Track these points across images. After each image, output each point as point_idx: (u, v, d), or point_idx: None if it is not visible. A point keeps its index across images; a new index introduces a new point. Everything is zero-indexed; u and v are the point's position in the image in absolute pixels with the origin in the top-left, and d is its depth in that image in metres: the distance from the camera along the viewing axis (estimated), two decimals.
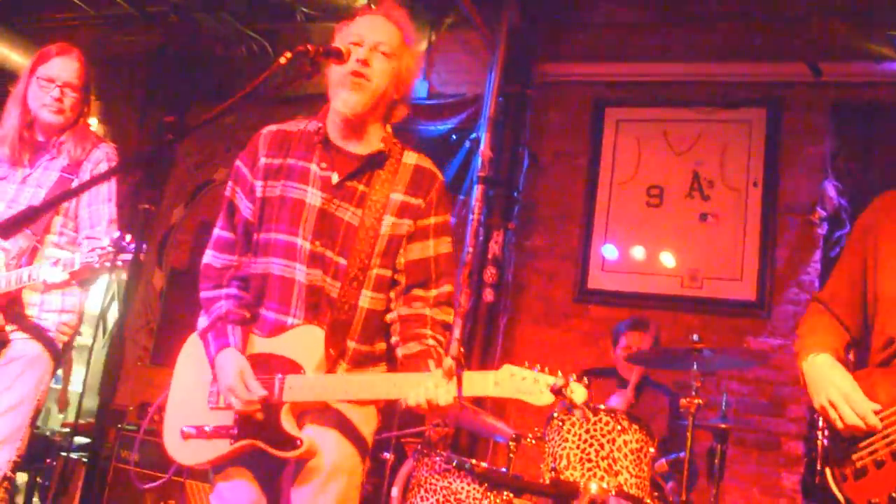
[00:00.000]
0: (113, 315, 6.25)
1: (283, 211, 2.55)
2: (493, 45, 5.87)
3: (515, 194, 5.83)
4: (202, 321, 2.61)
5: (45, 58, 3.57)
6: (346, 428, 2.47)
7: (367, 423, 2.55)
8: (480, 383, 2.22)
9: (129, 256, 3.01)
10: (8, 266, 3.41)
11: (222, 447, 2.46)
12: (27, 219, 2.18)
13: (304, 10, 6.53)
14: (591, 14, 6.04)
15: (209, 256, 2.69)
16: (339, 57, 2.48)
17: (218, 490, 2.51)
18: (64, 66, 3.54)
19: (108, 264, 3.06)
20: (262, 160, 2.62)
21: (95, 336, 5.92)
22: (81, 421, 5.26)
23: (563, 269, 5.82)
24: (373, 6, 2.75)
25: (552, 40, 6.11)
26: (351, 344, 2.51)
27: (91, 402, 6.08)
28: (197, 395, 2.55)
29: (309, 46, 2.36)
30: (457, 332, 5.32)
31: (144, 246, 2.87)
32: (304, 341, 2.45)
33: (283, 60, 2.29)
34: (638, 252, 5.69)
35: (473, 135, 5.85)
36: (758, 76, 5.62)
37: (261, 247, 2.58)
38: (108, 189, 3.61)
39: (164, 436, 2.57)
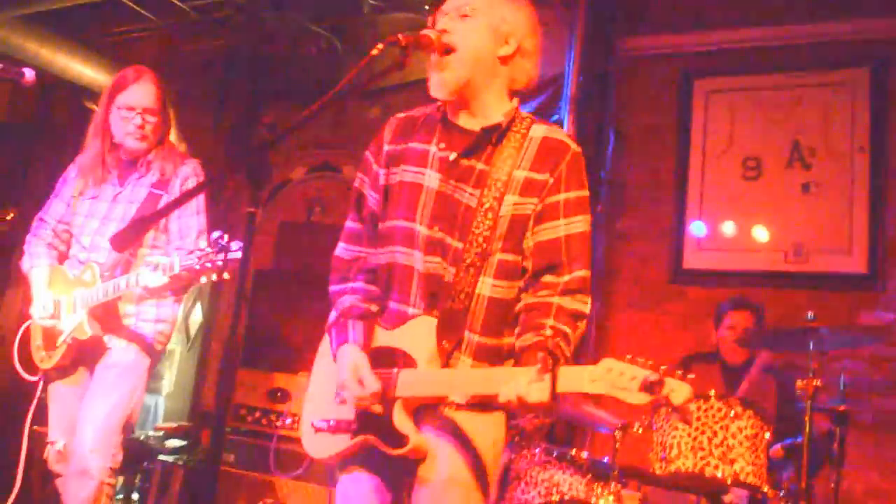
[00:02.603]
0: (196, 319, 6.49)
1: (402, 196, 2.56)
2: (571, 21, 5.84)
3: (602, 175, 5.82)
4: (331, 316, 2.66)
5: (122, 85, 3.80)
6: (462, 437, 2.43)
7: (489, 431, 2.49)
8: (575, 379, 2.16)
9: (231, 256, 3.06)
10: (103, 278, 3.64)
11: (344, 442, 2.50)
12: (138, 229, 2.34)
13: (372, 1, 6.64)
14: None
15: (339, 248, 2.73)
16: (430, 45, 2.46)
17: (341, 484, 2.55)
18: (142, 93, 3.78)
19: (208, 265, 3.18)
20: (386, 147, 2.65)
21: (189, 342, 6.17)
22: (170, 424, 5.49)
23: (657, 250, 5.83)
24: None
25: (633, 12, 6.11)
26: (471, 336, 2.47)
27: (177, 405, 6.35)
28: (327, 390, 2.61)
29: (400, 36, 2.37)
30: None
31: (240, 243, 2.99)
32: (418, 333, 2.46)
33: (375, 52, 2.32)
34: (736, 228, 5.68)
35: (555, 117, 5.78)
36: (858, 34, 5.52)
37: (384, 236, 2.60)
38: (197, 202, 3.82)
39: (301, 429, 2.66)
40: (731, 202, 5.71)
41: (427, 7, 6.12)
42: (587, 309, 2.48)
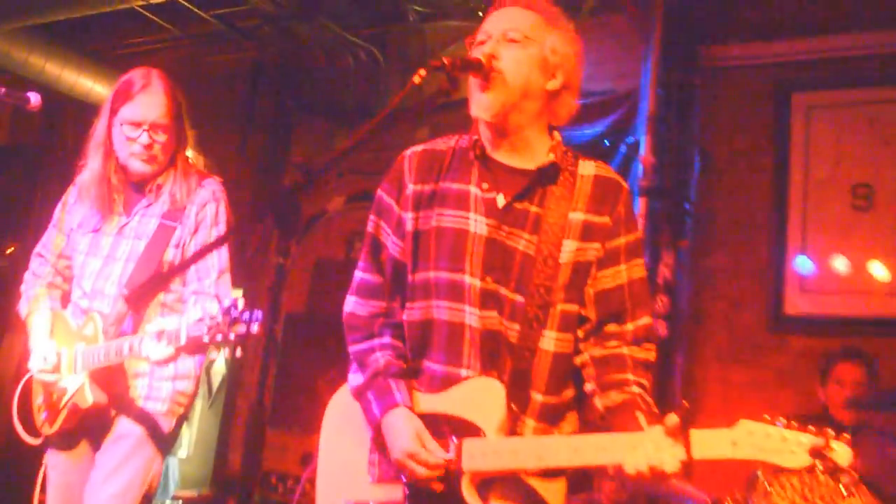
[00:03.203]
0: (218, 370, 6.48)
1: (443, 244, 2.56)
2: (647, 27, 5.83)
3: (687, 205, 5.77)
4: (355, 378, 2.64)
5: (125, 95, 3.60)
6: None
7: (558, 498, 2.50)
8: (715, 444, 2.18)
9: (244, 329, 2.94)
10: (106, 334, 3.49)
11: None
12: (156, 285, 2.31)
13: (417, 8, 6.71)
14: None
15: (352, 304, 2.72)
16: (479, 68, 2.51)
17: None
18: (149, 104, 3.57)
19: (219, 337, 3.00)
20: (410, 187, 2.65)
21: (211, 397, 6.17)
22: (189, 492, 5.46)
23: (752, 291, 5.74)
24: None
25: (720, 16, 6.05)
26: (536, 396, 2.49)
27: (196, 470, 6.33)
28: (353, 467, 2.58)
29: (444, 60, 2.41)
30: None
31: (258, 313, 2.83)
32: (480, 397, 2.44)
33: (417, 80, 2.36)
34: (845, 266, 5.57)
35: (630, 138, 5.83)
36: None
37: (419, 289, 2.59)
38: (217, 233, 3.67)
39: None
40: (839, 236, 5.61)
41: (480, 14, 6.16)
42: (653, 357, 2.58)
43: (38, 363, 3.64)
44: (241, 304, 3.00)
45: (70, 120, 7.73)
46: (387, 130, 2.31)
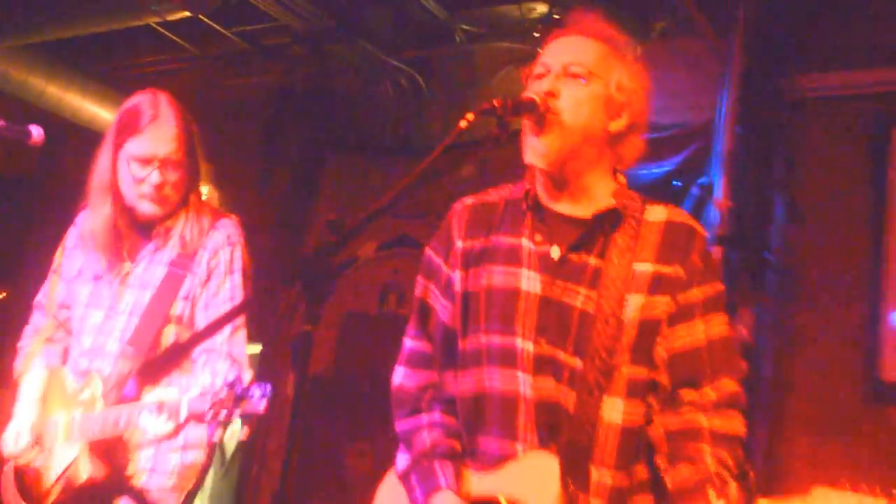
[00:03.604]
0: (234, 434, 6.57)
1: (493, 305, 2.63)
2: (726, 53, 5.88)
3: (769, 257, 5.77)
4: (401, 460, 2.73)
5: (132, 127, 3.63)
6: None
7: None
8: None
9: (253, 408, 3.00)
10: (105, 399, 3.54)
11: None
12: (171, 358, 2.47)
13: (465, 27, 6.85)
14: (863, 1, 5.98)
15: (400, 376, 2.82)
16: (534, 110, 2.57)
17: None
18: (160, 138, 3.60)
19: (223, 414, 3.02)
20: (459, 244, 2.76)
21: (224, 465, 6.28)
22: None
23: (845, 356, 5.70)
24: (555, 16, 2.89)
25: (809, 41, 6.07)
26: (600, 473, 2.52)
27: None
28: None
29: (495, 102, 2.47)
30: None
31: (267, 388, 2.98)
32: (534, 475, 2.49)
33: (464, 125, 2.41)
34: None
35: (704, 178, 5.84)
36: None
37: (469, 356, 2.66)
38: (231, 284, 3.73)
39: None
40: None
41: (536, 35, 6.32)
42: (742, 429, 2.57)
43: (10, 441, 3.70)
44: (247, 378, 3.09)
45: (72, 149, 7.52)
46: (429, 176, 2.36)
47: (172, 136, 3.63)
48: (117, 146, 3.67)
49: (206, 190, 4.08)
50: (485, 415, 2.60)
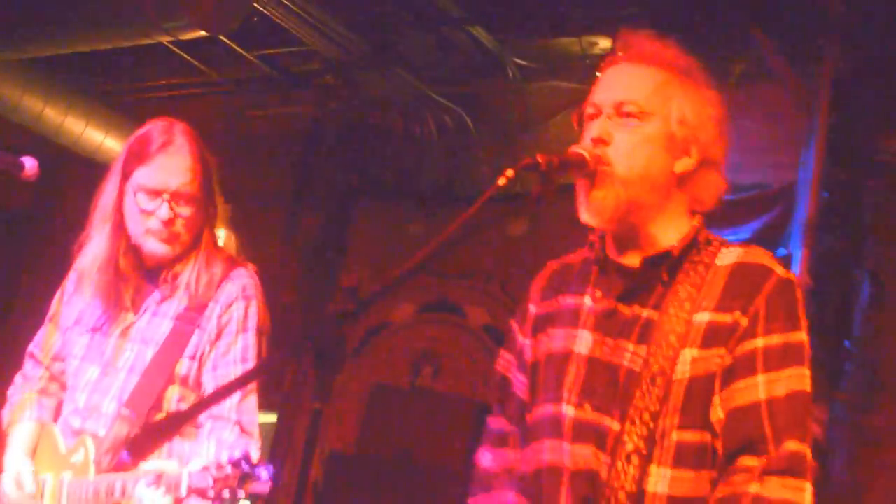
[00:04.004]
0: None
1: (550, 371, 2.70)
2: (812, 104, 5.87)
3: (849, 346, 5.76)
4: None
5: (141, 155, 3.65)
6: None
7: None
8: None
9: (260, 490, 3.07)
10: (98, 464, 3.57)
11: None
12: (174, 427, 2.55)
13: (519, 61, 6.94)
14: None
15: (484, 457, 2.89)
16: (583, 166, 2.59)
17: None
18: (171, 168, 3.62)
19: (226, 493, 3.08)
20: (532, 309, 2.85)
21: None
22: None
23: None
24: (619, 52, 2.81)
25: None
26: None
27: None
28: None
29: (539, 158, 2.48)
30: None
31: (268, 471, 3.06)
32: None
33: (502, 182, 2.42)
34: None
35: (782, 249, 5.78)
36: None
37: (530, 431, 2.75)
38: (243, 343, 3.70)
39: None
40: None
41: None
42: (807, 499, 2.48)
43: (10, 488, 3.74)
44: (255, 453, 3.16)
45: (73, 182, 7.98)
46: (471, 233, 2.38)
47: (186, 167, 3.64)
48: (125, 176, 3.68)
49: (222, 233, 4.02)
50: (541, 493, 2.65)
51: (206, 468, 3.14)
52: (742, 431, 2.51)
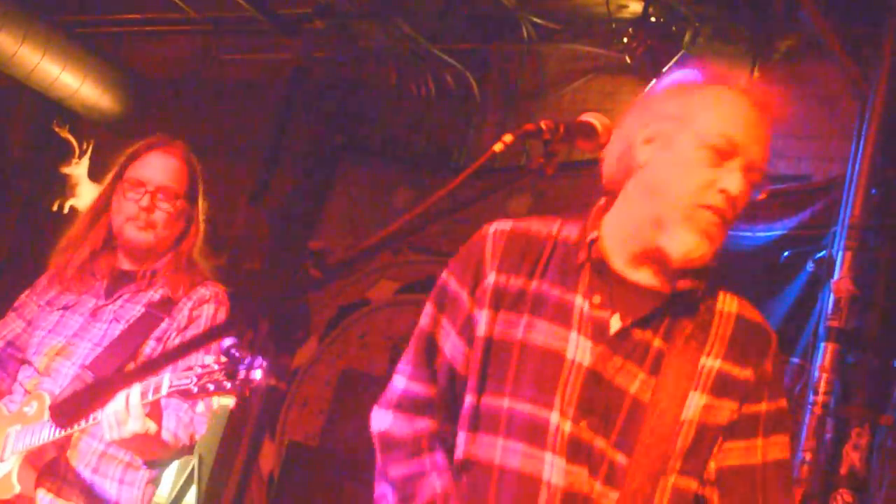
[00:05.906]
0: None
1: (527, 365, 2.58)
2: (865, 91, 5.77)
3: None
4: None
5: (135, 154, 4.02)
6: None
7: None
8: None
9: (250, 377, 3.18)
10: (52, 412, 3.65)
11: None
12: (90, 397, 2.29)
13: (535, 19, 6.74)
14: None
15: (388, 422, 2.78)
16: (592, 135, 2.51)
17: None
18: (159, 165, 3.96)
19: (211, 386, 3.23)
20: (491, 277, 2.68)
21: None
22: None
23: None
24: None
25: None
26: None
27: None
28: None
29: (542, 125, 2.37)
30: None
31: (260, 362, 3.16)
32: None
33: (498, 148, 2.31)
34: None
35: (822, 252, 5.72)
36: None
37: (482, 418, 2.62)
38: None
39: None
40: None
41: (626, 40, 6.08)
42: None
43: None
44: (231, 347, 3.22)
45: (19, 115, 7.97)
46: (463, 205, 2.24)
47: (173, 167, 3.98)
48: (118, 176, 4.02)
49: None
50: (488, 492, 2.57)
51: (189, 367, 3.32)
52: (736, 490, 2.60)
